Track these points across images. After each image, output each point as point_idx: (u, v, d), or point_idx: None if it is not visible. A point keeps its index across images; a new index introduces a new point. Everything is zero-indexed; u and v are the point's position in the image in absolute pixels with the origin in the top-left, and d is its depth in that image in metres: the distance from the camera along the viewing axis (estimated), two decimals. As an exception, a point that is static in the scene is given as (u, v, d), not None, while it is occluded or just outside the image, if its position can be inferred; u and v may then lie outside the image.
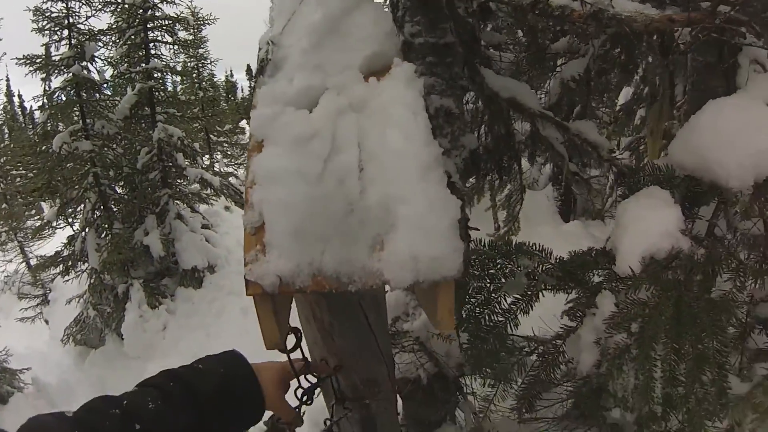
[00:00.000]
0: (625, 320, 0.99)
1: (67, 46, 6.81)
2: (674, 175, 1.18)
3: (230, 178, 10.63)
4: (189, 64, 13.26)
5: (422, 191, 0.78)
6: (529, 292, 1.18)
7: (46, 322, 8.81)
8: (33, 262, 11.94)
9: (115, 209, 6.61)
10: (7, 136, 19.05)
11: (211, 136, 13.86)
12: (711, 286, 1.04)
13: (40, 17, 6.74)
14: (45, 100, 6.86)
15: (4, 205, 13.41)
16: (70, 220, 6.57)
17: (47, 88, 6.84)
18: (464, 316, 1.37)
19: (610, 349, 1.00)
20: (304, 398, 1.09)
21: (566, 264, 1.24)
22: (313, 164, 0.83)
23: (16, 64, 6.66)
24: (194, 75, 13.44)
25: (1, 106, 20.75)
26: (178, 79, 12.84)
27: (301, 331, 1.10)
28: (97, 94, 6.94)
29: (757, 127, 1.10)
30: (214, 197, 8.23)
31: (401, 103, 0.87)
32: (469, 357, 1.40)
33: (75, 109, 6.61)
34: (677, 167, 1.19)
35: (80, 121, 6.37)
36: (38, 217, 13.24)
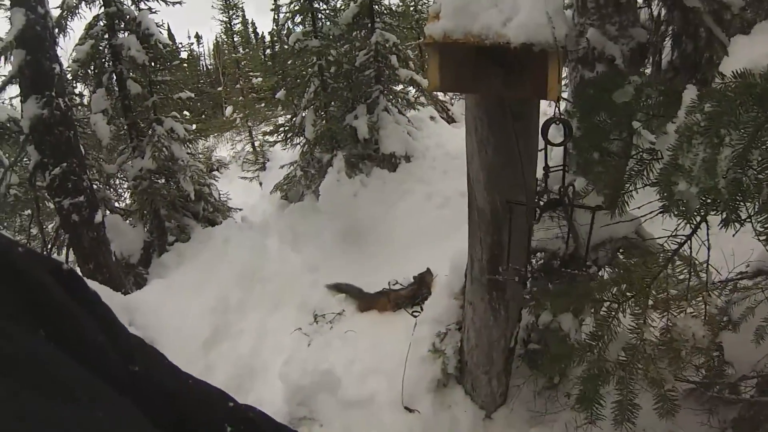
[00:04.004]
0: (701, 102, 1.07)
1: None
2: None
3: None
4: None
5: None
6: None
7: (260, 183, 10.98)
8: (257, 143, 14.71)
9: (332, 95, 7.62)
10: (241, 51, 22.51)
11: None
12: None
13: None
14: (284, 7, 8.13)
15: (241, 98, 16.54)
16: (295, 102, 7.88)
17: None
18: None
19: (683, 126, 1.08)
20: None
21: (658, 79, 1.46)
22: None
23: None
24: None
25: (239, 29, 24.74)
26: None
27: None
28: (324, 4, 7.99)
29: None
30: (419, 104, 8.41)
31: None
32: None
33: (308, 15, 7.74)
34: None
35: (312, 24, 7.49)
36: (266, 110, 15.98)
